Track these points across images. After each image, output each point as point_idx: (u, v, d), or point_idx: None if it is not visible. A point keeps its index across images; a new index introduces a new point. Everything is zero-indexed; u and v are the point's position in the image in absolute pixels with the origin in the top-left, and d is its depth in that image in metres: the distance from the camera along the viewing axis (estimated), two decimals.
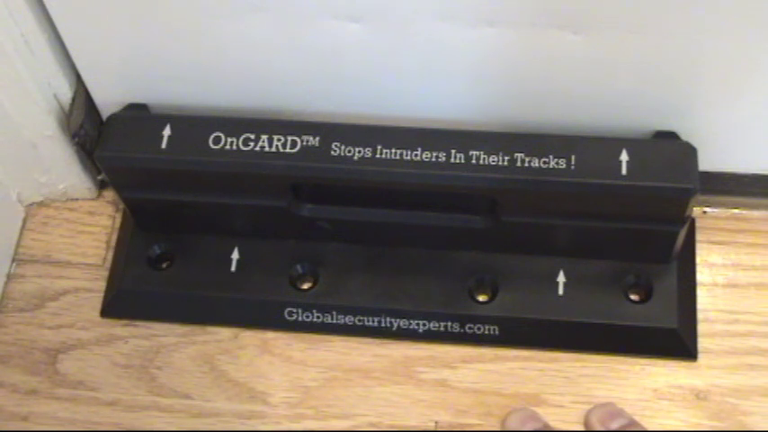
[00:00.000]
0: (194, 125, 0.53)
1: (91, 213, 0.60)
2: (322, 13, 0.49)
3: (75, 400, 0.55)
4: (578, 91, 0.52)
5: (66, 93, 0.55)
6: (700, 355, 0.54)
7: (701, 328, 0.55)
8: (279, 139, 0.52)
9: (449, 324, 0.55)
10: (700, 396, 0.53)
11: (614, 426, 0.51)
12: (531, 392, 0.54)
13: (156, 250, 0.58)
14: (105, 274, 0.58)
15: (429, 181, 0.51)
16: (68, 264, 0.59)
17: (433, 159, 0.50)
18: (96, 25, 0.51)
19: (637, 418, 0.51)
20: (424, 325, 0.55)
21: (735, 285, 0.56)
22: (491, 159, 0.50)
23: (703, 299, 0.55)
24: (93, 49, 0.53)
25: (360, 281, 0.56)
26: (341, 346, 0.56)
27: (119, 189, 0.56)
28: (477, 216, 0.54)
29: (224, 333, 0.56)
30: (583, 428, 0.52)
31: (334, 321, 0.56)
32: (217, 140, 0.52)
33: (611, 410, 0.52)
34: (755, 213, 0.58)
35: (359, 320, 0.55)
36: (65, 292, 0.58)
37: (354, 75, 0.52)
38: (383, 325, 0.55)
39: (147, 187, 0.54)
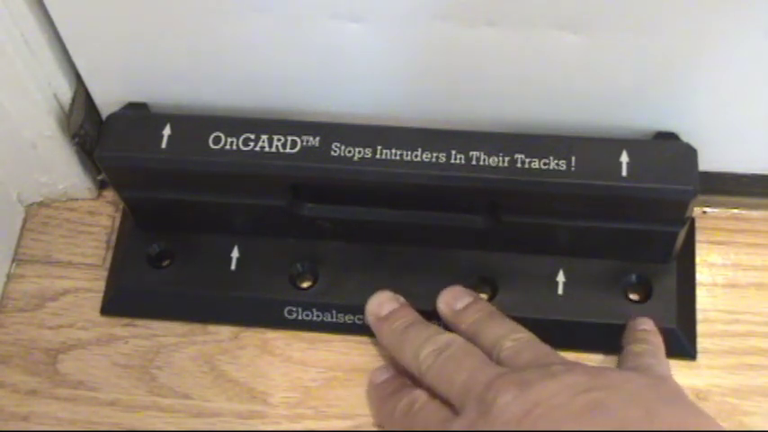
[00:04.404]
0: (194, 125, 0.53)
1: (91, 213, 0.60)
2: (322, 13, 0.49)
3: (76, 400, 0.55)
4: (578, 91, 0.52)
5: (66, 93, 0.55)
6: (699, 355, 0.54)
7: (701, 328, 0.55)
8: (279, 139, 0.52)
9: None
10: (700, 396, 0.53)
11: (459, 306, 0.52)
12: None
13: (156, 249, 0.58)
14: (105, 274, 0.58)
15: (429, 181, 0.51)
16: (68, 264, 0.59)
17: (433, 160, 0.51)
18: (96, 25, 0.51)
19: None
20: None
21: (735, 285, 0.56)
22: (491, 160, 0.50)
23: (703, 299, 0.55)
24: (93, 49, 0.52)
25: (360, 280, 0.56)
26: (341, 345, 0.56)
27: (119, 189, 0.56)
28: (477, 216, 0.54)
29: (224, 333, 0.56)
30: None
31: (334, 320, 0.56)
32: (217, 140, 0.52)
33: (456, 292, 0.53)
34: (755, 213, 0.58)
35: (359, 319, 0.55)
36: (65, 292, 0.58)
37: (354, 75, 0.52)
38: None
39: (147, 187, 0.54)
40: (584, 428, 0.43)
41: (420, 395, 0.50)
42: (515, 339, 0.50)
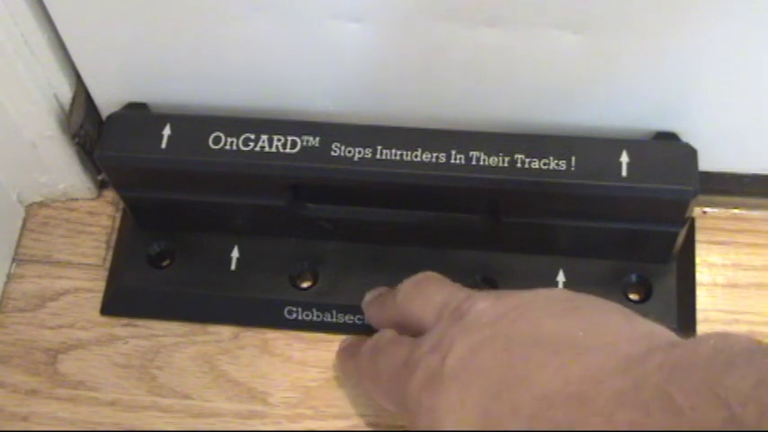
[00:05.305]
0: (194, 125, 0.53)
1: (91, 213, 0.60)
2: (322, 13, 0.49)
3: (76, 400, 0.55)
4: (578, 91, 0.52)
5: (66, 93, 0.55)
6: None
7: (701, 328, 0.55)
8: (279, 139, 0.52)
9: None
10: None
11: None
12: None
13: (156, 248, 0.58)
14: (105, 274, 0.58)
15: (429, 181, 0.51)
16: (68, 264, 0.59)
17: (433, 160, 0.50)
18: (96, 25, 0.51)
19: None
20: None
21: (735, 285, 0.56)
22: (491, 160, 0.50)
23: (703, 299, 0.55)
24: (93, 49, 0.52)
25: (360, 280, 0.56)
26: None
27: (119, 189, 0.56)
28: (477, 216, 0.54)
29: (224, 333, 0.56)
30: None
31: (334, 320, 0.56)
32: (217, 140, 0.52)
33: None
34: (755, 213, 0.58)
35: (359, 319, 0.55)
36: (65, 292, 0.58)
37: (354, 75, 0.52)
38: None
39: (147, 187, 0.54)
40: (564, 327, 0.43)
41: (385, 332, 0.49)
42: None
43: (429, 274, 0.50)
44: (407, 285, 0.50)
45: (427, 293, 0.48)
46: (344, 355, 0.53)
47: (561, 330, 0.43)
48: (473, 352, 0.43)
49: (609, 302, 0.46)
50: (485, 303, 0.45)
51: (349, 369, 0.53)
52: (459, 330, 0.44)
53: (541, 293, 0.46)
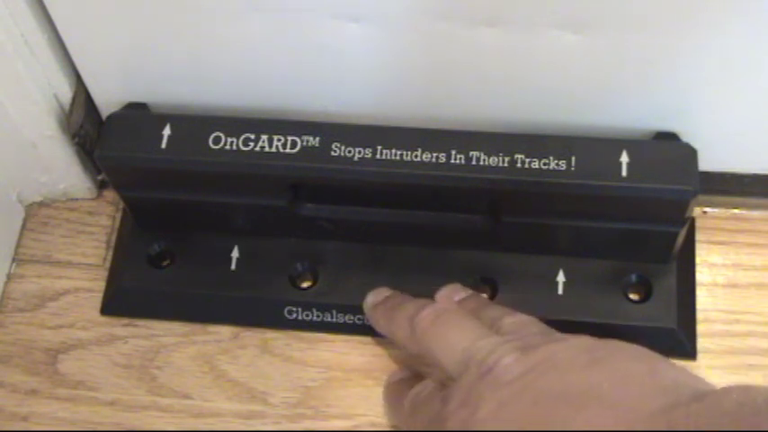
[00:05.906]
0: (194, 125, 0.53)
1: (91, 213, 0.60)
2: (322, 13, 0.49)
3: (75, 400, 0.55)
4: (578, 91, 0.52)
5: (66, 93, 0.55)
6: (699, 355, 0.54)
7: (701, 328, 0.55)
8: (279, 139, 0.52)
9: None
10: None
11: (457, 298, 0.53)
12: None
13: (156, 248, 0.58)
14: (105, 274, 0.58)
15: (429, 181, 0.51)
16: (68, 264, 0.59)
17: (433, 160, 0.50)
18: (96, 25, 0.51)
19: None
20: None
21: (735, 285, 0.56)
22: (491, 160, 0.50)
23: (703, 299, 0.55)
24: (93, 49, 0.52)
25: (360, 280, 0.56)
26: (341, 345, 0.56)
27: (119, 189, 0.56)
28: (477, 216, 0.54)
29: (224, 333, 0.56)
30: None
31: (334, 320, 0.56)
32: (217, 140, 0.52)
33: (454, 287, 0.53)
34: (755, 213, 0.58)
35: (359, 319, 0.55)
36: (65, 292, 0.58)
37: (354, 75, 0.52)
38: None
39: (147, 187, 0.54)
40: (589, 380, 0.43)
41: (428, 383, 0.50)
42: (517, 317, 0.50)
43: (448, 309, 0.50)
44: (425, 321, 0.49)
45: (448, 338, 0.48)
46: (391, 394, 0.53)
47: (586, 383, 0.43)
48: (501, 407, 0.44)
49: (633, 348, 0.46)
50: (510, 358, 0.45)
51: (392, 413, 0.53)
52: (487, 386, 0.45)
53: (566, 344, 0.46)
